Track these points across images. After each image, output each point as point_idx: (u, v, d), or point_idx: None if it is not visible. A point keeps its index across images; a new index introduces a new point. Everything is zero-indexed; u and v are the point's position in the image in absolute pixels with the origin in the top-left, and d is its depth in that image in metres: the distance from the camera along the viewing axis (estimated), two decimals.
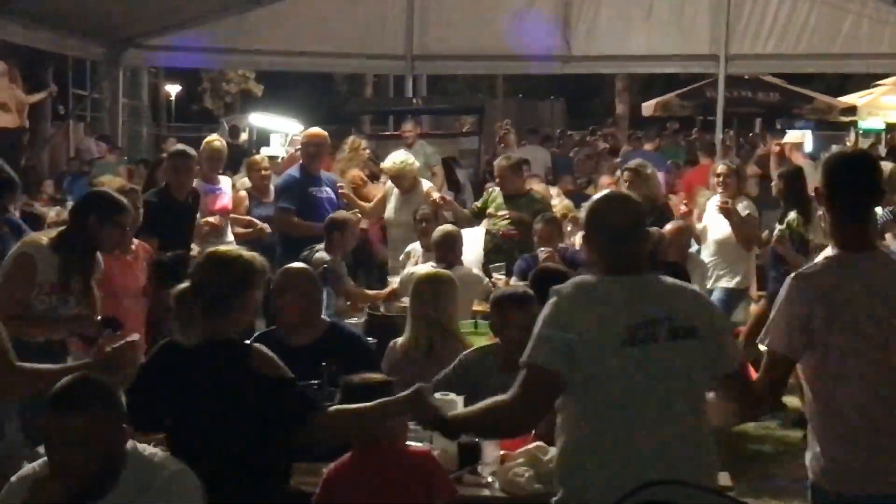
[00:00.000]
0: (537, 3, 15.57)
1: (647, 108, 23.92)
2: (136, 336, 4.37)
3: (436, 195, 9.57)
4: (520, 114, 28.85)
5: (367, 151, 11.33)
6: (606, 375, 3.58)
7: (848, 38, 14.80)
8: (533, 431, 4.67)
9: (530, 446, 4.61)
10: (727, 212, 9.29)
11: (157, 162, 10.36)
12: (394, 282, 8.39)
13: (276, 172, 10.48)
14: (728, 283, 9.45)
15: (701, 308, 3.81)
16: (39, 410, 3.53)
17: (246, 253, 4.10)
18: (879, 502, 3.80)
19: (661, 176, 12.17)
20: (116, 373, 4.16)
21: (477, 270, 8.31)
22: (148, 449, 3.71)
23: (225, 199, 9.26)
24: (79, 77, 21.06)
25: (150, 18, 15.77)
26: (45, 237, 5.78)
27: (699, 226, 9.89)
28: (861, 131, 24.01)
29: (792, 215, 8.97)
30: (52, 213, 10.47)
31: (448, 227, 8.49)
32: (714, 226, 9.59)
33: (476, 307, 7.70)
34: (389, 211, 9.73)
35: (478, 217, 9.72)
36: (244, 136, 26.92)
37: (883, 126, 24.67)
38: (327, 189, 9.19)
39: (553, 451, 4.54)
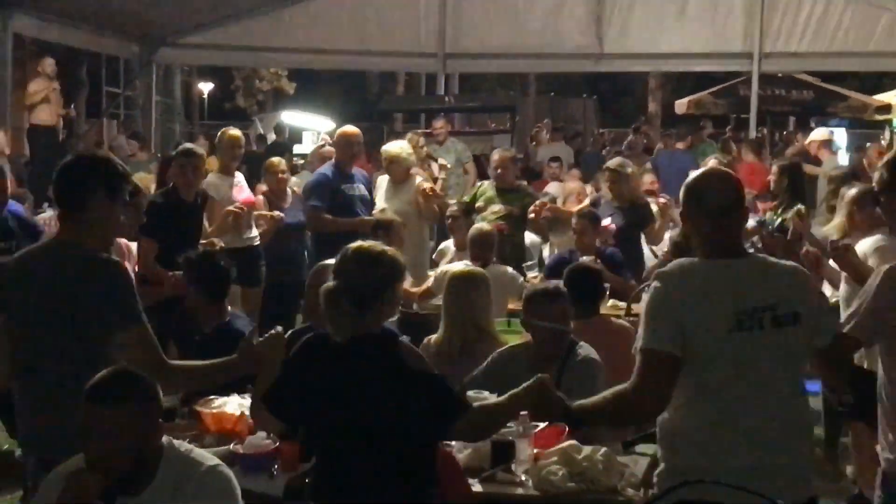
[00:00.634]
0: (570, 2, 15.55)
1: (680, 106, 23.82)
2: (279, 328, 4.25)
3: (426, 185, 9.50)
4: (552, 112, 28.75)
5: (425, 149, 11.24)
6: (714, 359, 3.60)
7: (883, 36, 14.72)
8: (567, 429, 4.68)
9: (564, 445, 4.61)
10: (665, 207, 9.40)
11: (166, 160, 10.08)
12: (427, 280, 8.40)
13: (310, 170, 10.42)
14: None
15: (802, 290, 3.77)
16: (75, 411, 3.55)
17: (388, 247, 4.08)
18: None
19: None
20: (264, 366, 4.11)
21: (512, 269, 8.29)
22: (184, 445, 3.74)
23: (245, 192, 9.04)
24: (112, 75, 21.16)
25: (183, 17, 15.87)
26: None
27: None
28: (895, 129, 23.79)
29: (800, 206, 8.95)
30: None
31: (483, 225, 8.49)
32: None
33: (511, 306, 7.69)
34: (379, 200, 9.51)
35: (465, 213, 9.68)
36: (272, 137, 27.08)
37: None
38: (360, 186, 9.13)
39: (587, 451, 4.55)
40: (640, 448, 4.72)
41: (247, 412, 5.04)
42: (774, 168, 9.89)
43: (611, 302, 7.97)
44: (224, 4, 15.60)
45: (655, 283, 3.71)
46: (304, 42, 16.16)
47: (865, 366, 4.86)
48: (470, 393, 4.59)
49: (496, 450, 4.64)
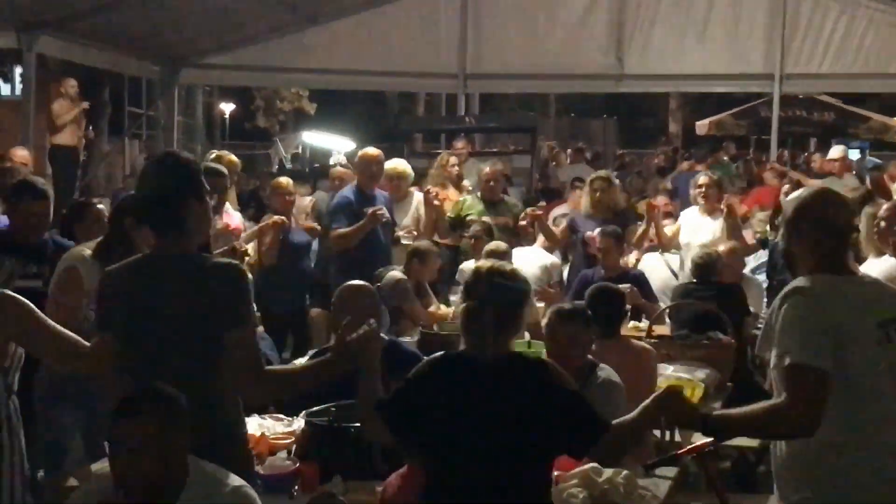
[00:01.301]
0: (590, 22, 15.55)
1: (701, 127, 23.83)
2: (373, 322, 4.19)
3: (431, 195, 9.60)
4: (572, 132, 28.81)
5: (456, 168, 11.23)
6: (861, 373, 3.61)
7: None
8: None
9: (585, 467, 4.60)
10: (732, 210, 9.43)
11: None
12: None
13: (333, 189, 10.37)
14: None
15: None
16: (102, 427, 3.56)
17: (515, 267, 4.08)
18: None
19: None
20: (361, 364, 4.05)
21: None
22: (209, 465, 3.72)
23: (235, 220, 8.78)
24: (134, 95, 21.29)
25: (205, 37, 15.96)
26: (87, 248, 5.83)
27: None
28: None
29: None
30: None
31: (498, 243, 8.51)
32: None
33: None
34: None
35: (454, 227, 9.72)
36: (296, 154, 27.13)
37: None
38: (382, 206, 9.17)
39: (608, 473, 4.53)
40: (661, 471, 4.71)
41: (268, 433, 5.05)
42: (786, 188, 9.96)
43: (632, 323, 7.98)
44: (245, 25, 15.67)
45: (797, 297, 3.68)
46: (324, 63, 16.19)
47: None
48: None
49: None
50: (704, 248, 8.96)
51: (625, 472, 4.58)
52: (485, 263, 4.06)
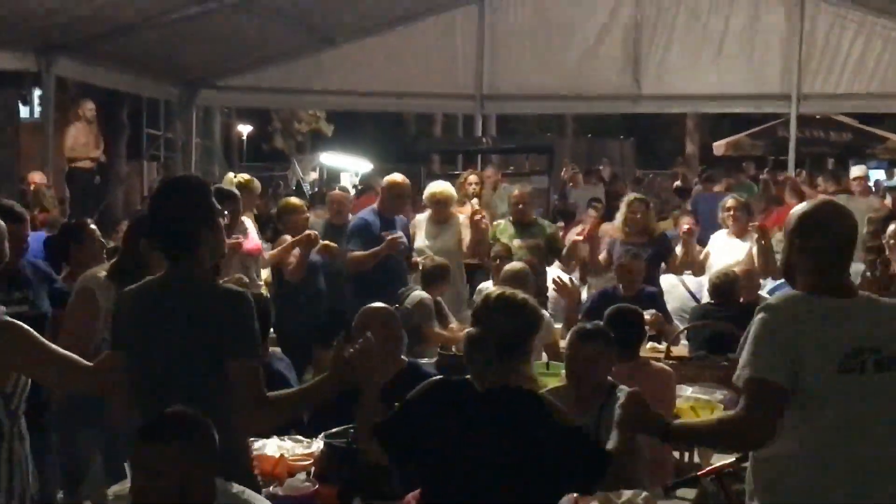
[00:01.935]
0: (606, 42, 15.58)
1: (718, 147, 23.84)
2: (371, 338, 4.16)
3: (478, 217, 9.65)
4: (589, 153, 28.76)
5: (473, 187, 11.22)
6: (822, 398, 3.58)
7: None
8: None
9: None
10: (763, 232, 9.29)
11: None
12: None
13: (331, 214, 10.32)
14: None
15: None
16: (122, 448, 3.55)
17: (528, 296, 4.01)
18: None
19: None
20: (359, 381, 4.04)
21: (548, 312, 8.30)
22: (235, 486, 3.72)
23: (251, 239, 8.74)
24: (153, 117, 21.34)
25: (223, 60, 16.05)
26: (102, 270, 5.83)
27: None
28: None
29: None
30: None
31: (517, 264, 8.50)
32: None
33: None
34: (421, 239, 9.60)
35: (509, 255, 9.71)
36: (314, 175, 27.19)
37: None
38: (400, 232, 9.18)
39: (627, 494, 4.51)
40: (681, 492, 4.69)
41: (287, 454, 5.05)
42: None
43: (650, 344, 7.95)
44: (263, 48, 15.74)
45: (763, 315, 3.66)
46: (341, 84, 16.28)
47: None
48: None
49: None
50: (722, 270, 8.94)
51: (644, 493, 4.55)
52: (494, 291, 4.02)
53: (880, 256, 8.18)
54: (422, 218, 9.78)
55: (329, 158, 27.07)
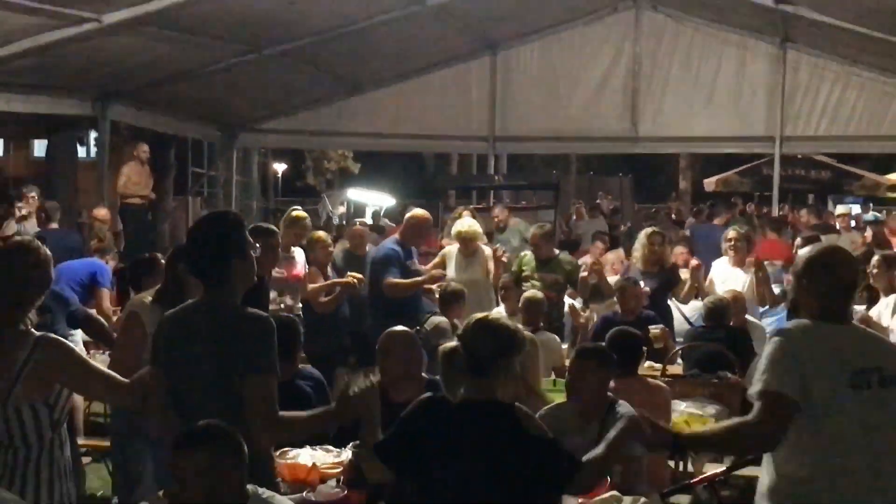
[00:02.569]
0: (607, 89, 15.62)
1: (709, 184, 23.85)
2: (373, 379, 4.16)
3: (499, 253, 9.87)
4: (591, 189, 28.83)
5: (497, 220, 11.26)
6: (834, 412, 3.64)
7: (894, 121, 14.64)
8: (609, 480, 4.65)
9: (606, 495, 4.57)
10: (759, 266, 9.35)
11: None
12: None
13: (353, 246, 10.36)
14: None
15: None
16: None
17: (510, 323, 4.00)
18: None
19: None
20: (360, 416, 4.05)
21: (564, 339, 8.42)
22: (266, 492, 3.73)
23: (298, 268, 8.84)
24: (197, 157, 21.44)
25: (260, 106, 16.17)
26: (148, 295, 5.85)
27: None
28: None
29: None
30: None
31: (535, 292, 8.55)
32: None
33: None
34: (452, 271, 9.78)
35: (516, 283, 9.78)
36: (342, 209, 27.24)
37: None
38: (441, 270, 9.39)
39: (627, 501, 4.52)
40: (676, 498, 4.69)
41: (319, 463, 5.07)
42: (798, 241, 9.91)
43: (647, 363, 7.96)
44: (296, 95, 15.85)
45: (778, 338, 3.75)
46: (367, 127, 16.35)
47: None
48: None
49: None
50: (716, 295, 8.94)
51: (643, 499, 4.56)
52: (478, 315, 4.00)
53: (866, 290, 8.23)
54: (452, 251, 9.93)
55: (356, 194, 27.11)
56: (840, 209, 15.47)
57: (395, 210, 17.54)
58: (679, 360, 8.37)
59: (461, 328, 3.97)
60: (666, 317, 9.17)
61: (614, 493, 4.58)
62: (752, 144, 16.49)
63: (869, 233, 13.98)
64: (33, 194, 12.23)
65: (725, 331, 8.36)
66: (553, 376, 7.56)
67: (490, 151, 16.64)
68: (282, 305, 8.16)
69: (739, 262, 9.72)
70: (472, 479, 3.69)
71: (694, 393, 7.22)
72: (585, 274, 9.59)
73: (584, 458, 3.87)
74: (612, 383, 5.40)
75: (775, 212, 16.52)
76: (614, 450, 3.92)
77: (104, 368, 4.27)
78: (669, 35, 15.29)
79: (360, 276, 9.02)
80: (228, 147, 17.45)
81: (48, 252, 4.31)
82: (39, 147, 33.22)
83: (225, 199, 18.34)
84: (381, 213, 21.68)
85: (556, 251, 10.23)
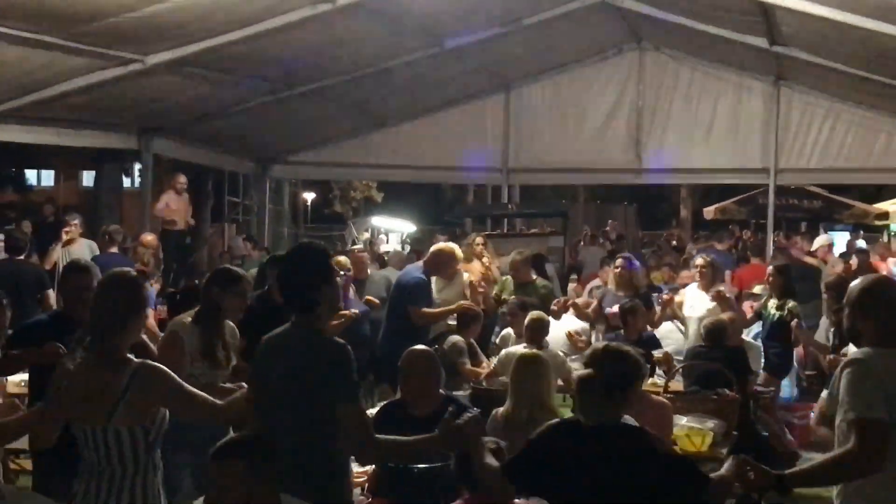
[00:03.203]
0: (613, 125, 15.64)
1: (708, 212, 23.80)
2: (476, 410, 4.09)
3: (475, 281, 9.82)
4: (598, 217, 28.77)
5: (479, 247, 11.20)
6: None
7: (881, 154, 14.62)
8: None
9: None
10: (720, 298, 9.43)
11: (263, 264, 9.27)
12: (492, 361, 8.44)
13: (398, 267, 10.40)
14: None
15: None
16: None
17: (632, 349, 3.96)
18: None
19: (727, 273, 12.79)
20: (466, 446, 3.96)
21: (560, 351, 8.36)
22: (295, 500, 3.74)
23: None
24: (233, 187, 21.56)
25: (292, 140, 16.25)
26: (188, 315, 5.87)
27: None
28: (893, 233, 23.55)
29: (792, 303, 9.26)
30: None
31: (539, 313, 8.52)
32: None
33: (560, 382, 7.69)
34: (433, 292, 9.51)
35: (498, 303, 9.83)
36: (366, 235, 27.32)
37: None
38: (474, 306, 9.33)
39: None
40: None
41: None
42: (770, 269, 9.95)
43: (650, 380, 7.93)
44: (324, 130, 15.92)
45: (852, 367, 3.76)
46: (390, 159, 16.41)
47: None
48: None
49: None
50: (717, 317, 8.94)
51: None
52: (601, 344, 4.00)
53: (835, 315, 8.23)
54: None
55: (379, 221, 27.24)
56: (819, 240, 15.54)
57: (416, 236, 17.58)
58: (679, 377, 8.35)
59: (589, 355, 3.93)
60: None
61: None
62: (748, 176, 16.46)
63: (854, 260, 13.90)
64: (76, 221, 12.28)
65: (723, 350, 8.35)
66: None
67: (504, 182, 16.66)
68: None
69: (705, 288, 9.80)
70: (609, 500, 3.63)
71: (694, 409, 7.19)
72: (556, 308, 9.54)
73: (715, 476, 3.78)
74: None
75: (770, 239, 16.45)
76: (737, 476, 3.77)
77: (198, 391, 4.23)
78: (671, 74, 15.33)
79: (376, 300, 9.04)
80: (262, 178, 17.53)
81: (142, 282, 4.32)
82: (88, 177, 33.56)
83: (258, 226, 18.41)
84: (406, 239, 21.74)
85: (534, 276, 10.35)
